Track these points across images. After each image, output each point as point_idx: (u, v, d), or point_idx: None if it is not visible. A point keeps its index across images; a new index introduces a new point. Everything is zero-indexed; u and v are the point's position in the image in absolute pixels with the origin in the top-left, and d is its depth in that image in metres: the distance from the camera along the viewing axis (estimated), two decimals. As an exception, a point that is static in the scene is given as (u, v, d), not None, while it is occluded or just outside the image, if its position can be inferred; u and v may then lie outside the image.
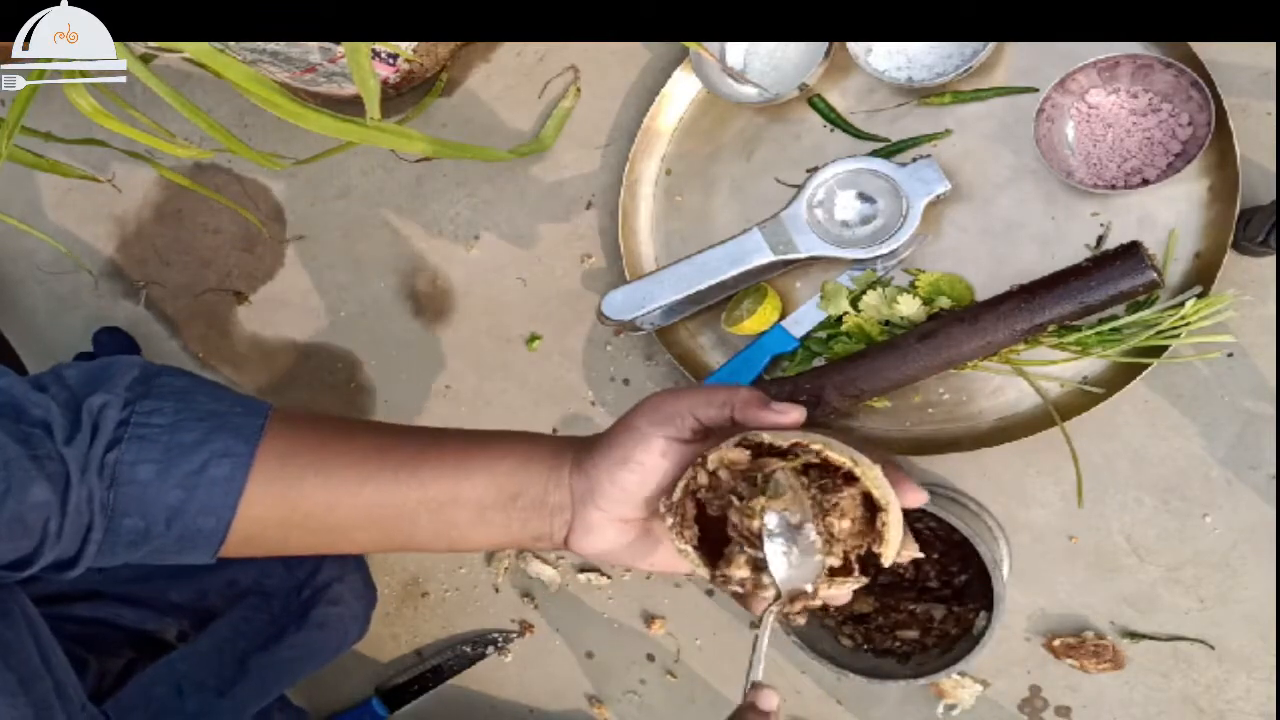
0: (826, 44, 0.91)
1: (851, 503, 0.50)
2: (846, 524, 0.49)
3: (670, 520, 0.51)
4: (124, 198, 1.25)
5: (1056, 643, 0.90)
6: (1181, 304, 0.80)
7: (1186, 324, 0.80)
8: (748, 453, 0.50)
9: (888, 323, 0.90)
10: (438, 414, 1.12)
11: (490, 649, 1.12)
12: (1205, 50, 0.82)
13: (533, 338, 1.09)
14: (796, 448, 0.49)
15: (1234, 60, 0.83)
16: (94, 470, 0.55)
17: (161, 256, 1.25)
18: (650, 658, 1.05)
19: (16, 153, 0.83)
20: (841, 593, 0.51)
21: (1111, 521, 0.88)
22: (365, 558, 1.11)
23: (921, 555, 0.54)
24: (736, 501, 0.49)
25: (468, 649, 1.12)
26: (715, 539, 0.52)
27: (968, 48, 0.89)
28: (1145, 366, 0.83)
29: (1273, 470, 0.84)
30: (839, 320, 0.92)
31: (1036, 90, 0.88)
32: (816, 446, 0.48)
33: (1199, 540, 0.86)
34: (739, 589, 0.50)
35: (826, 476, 0.50)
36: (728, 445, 0.50)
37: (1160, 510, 0.87)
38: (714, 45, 0.96)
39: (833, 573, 0.50)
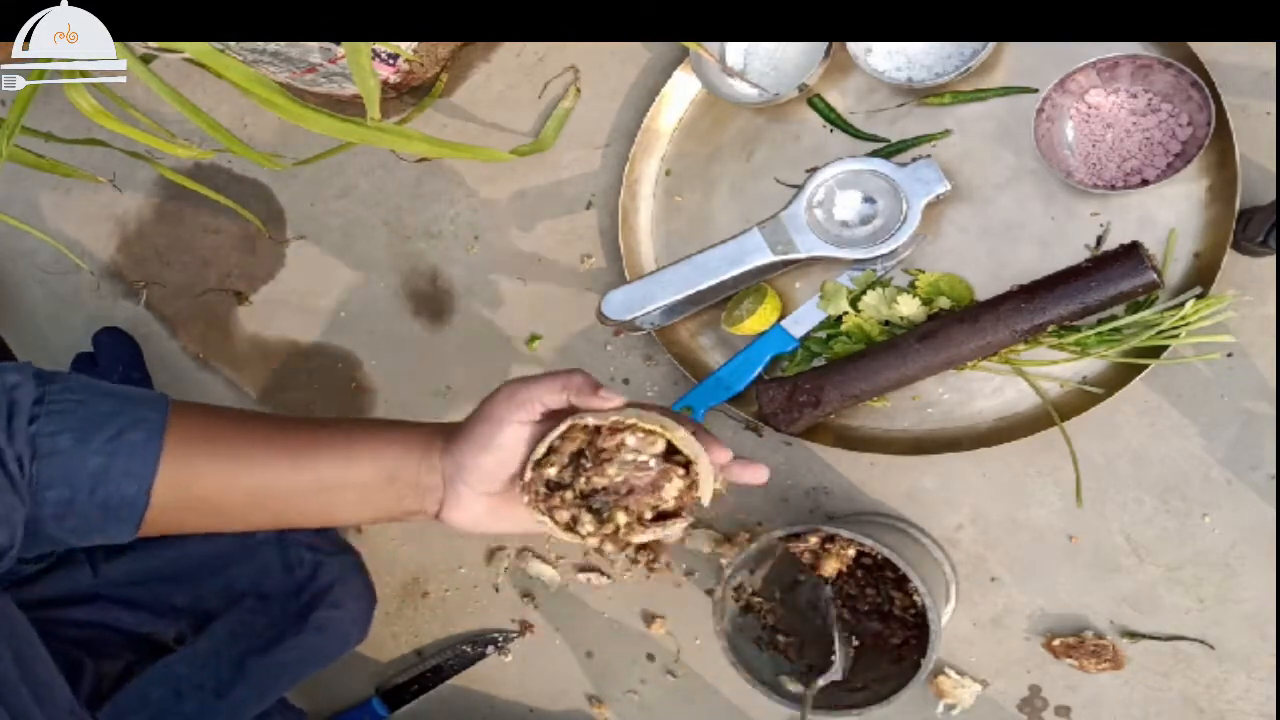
0: (826, 44, 0.91)
1: (662, 466, 0.59)
2: (653, 476, 0.59)
3: (526, 499, 0.59)
4: (124, 198, 1.25)
5: (1056, 642, 0.90)
6: (1181, 304, 0.80)
7: (1186, 324, 0.80)
8: (579, 433, 0.59)
9: (888, 323, 0.90)
10: (438, 414, 1.12)
11: (490, 649, 1.12)
12: (1205, 50, 0.82)
13: (533, 338, 1.09)
14: (615, 423, 0.59)
15: (1234, 60, 0.83)
16: (22, 440, 0.57)
17: (161, 256, 1.25)
18: (650, 657, 1.05)
19: (16, 153, 0.83)
20: (666, 532, 0.59)
21: (1111, 521, 0.88)
22: (364, 561, 1.10)
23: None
24: (565, 472, 0.59)
25: (468, 649, 1.12)
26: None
27: (968, 48, 0.89)
28: (1145, 366, 0.83)
29: (1273, 470, 0.84)
30: (839, 320, 0.92)
31: (1036, 90, 0.88)
32: (630, 421, 0.58)
33: (1199, 540, 0.86)
34: (580, 539, 0.60)
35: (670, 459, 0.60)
36: (557, 431, 0.59)
37: (1160, 510, 0.87)
38: (714, 45, 0.96)
39: (659, 518, 0.59)
